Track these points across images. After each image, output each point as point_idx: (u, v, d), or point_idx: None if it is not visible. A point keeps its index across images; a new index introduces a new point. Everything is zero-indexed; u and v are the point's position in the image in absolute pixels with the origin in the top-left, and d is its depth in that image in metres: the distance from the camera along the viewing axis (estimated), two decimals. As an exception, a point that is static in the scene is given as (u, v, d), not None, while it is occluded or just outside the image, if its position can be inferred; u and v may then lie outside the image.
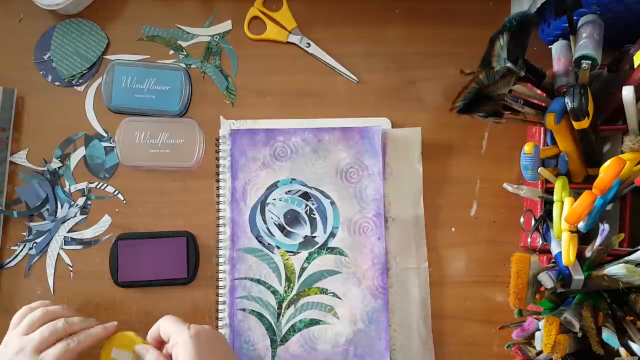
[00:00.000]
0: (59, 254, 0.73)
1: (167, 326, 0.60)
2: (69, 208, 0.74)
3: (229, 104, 0.75)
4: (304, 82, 0.75)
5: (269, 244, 0.72)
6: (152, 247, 0.71)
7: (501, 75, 0.55)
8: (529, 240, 0.64)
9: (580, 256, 0.56)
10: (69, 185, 0.74)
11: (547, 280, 0.54)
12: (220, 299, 0.71)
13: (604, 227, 0.52)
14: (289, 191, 0.72)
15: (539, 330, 0.57)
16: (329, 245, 0.71)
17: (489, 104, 0.58)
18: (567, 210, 0.55)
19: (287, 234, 0.72)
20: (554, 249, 0.59)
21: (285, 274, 0.71)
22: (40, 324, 0.61)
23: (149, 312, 0.72)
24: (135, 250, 0.71)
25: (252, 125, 0.74)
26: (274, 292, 0.71)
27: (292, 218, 0.72)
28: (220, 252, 0.72)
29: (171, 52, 0.76)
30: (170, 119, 0.73)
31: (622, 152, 0.57)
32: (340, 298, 0.70)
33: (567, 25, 0.60)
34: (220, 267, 0.72)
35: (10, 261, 0.73)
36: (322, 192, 0.72)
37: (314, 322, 0.70)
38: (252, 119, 0.74)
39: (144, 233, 0.73)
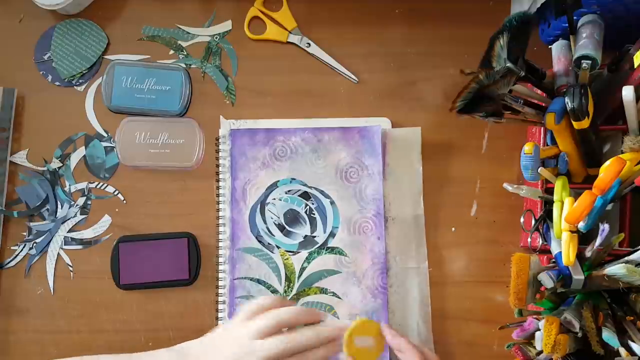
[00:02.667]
0: (59, 254, 0.73)
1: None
2: (69, 208, 0.74)
3: (229, 104, 0.75)
4: (304, 82, 0.75)
5: (268, 243, 0.72)
6: (153, 249, 0.71)
7: (501, 75, 0.55)
8: (529, 240, 0.64)
9: (580, 256, 0.56)
10: (69, 185, 0.74)
11: (547, 280, 0.54)
12: (220, 298, 0.71)
13: (604, 227, 0.52)
14: (288, 191, 0.72)
15: (539, 330, 0.57)
16: (328, 245, 0.71)
17: (489, 104, 0.58)
18: (567, 210, 0.55)
19: (287, 233, 0.72)
20: (554, 249, 0.59)
21: (285, 274, 0.71)
22: (268, 310, 0.57)
23: (149, 311, 0.72)
24: (137, 252, 0.71)
25: (252, 125, 0.74)
26: (274, 291, 0.71)
27: (292, 218, 0.72)
28: (220, 252, 0.72)
29: (171, 52, 0.76)
30: (170, 119, 0.73)
31: (622, 152, 0.57)
32: (340, 298, 0.70)
33: (567, 25, 0.60)
34: (220, 267, 0.72)
35: (10, 261, 0.73)
36: (322, 192, 0.72)
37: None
38: (252, 118, 0.74)
39: (144, 235, 0.73)
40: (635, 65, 0.55)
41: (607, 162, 0.53)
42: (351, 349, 0.56)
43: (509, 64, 0.55)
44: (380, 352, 0.58)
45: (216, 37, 0.76)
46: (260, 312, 0.57)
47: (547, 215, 0.62)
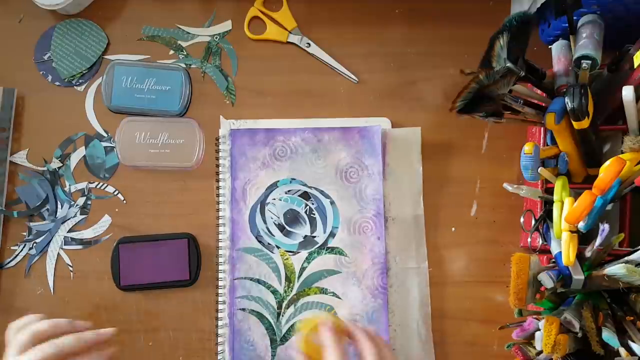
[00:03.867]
0: (59, 254, 0.73)
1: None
2: (69, 208, 0.74)
3: (229, 104, 0.75)
4: (304, 82, 0.75)
5: (268, 243, 0.72)
6: (153, 250, 0.71)
7: (501, 75, 0.55)
8: (529, 240, 0.64)
9: (580, 256, 0.56)
10: (69, 185, 0.74)
11: (547, 280, 0.54)
12: (220, 298, 0.71)
13: (604, 227, 0.52)
14: (288, 191, 0.72)
15: (539, 330, 0.57)
16: (328, 245, 0.71)
17: (489, 104, 0.58)
18: (567, 210, 0.55)
19: (287, 233, 0.72)
20: (554, 249, 0.59)
21: (285, 274, 0.71)
22: (34, 343, 0.57)
23: (149, 311, 0.72)
24: (137, 253, 0.71)
25: (252, 125, 0.74)
26: (274, 291, 0.71)
27: (292, 218, 0.72)
28: (220, 252, 0.72)
29: (171, 52, 0.76)
30: (170, 119, 0.73)
31: (622, 152, 0.57)
32: (340, 298, 0.70)
33: (567, 25, 0.60)
34: (220, 267, 0.72)
35: (10, 261, 0.73)
36: (321, 192, 0.72)
37: (314, 322, 0.70)
38: (252, 119, 0.74)
39: (145, 236, 0.73)
40: (635, 65, 0.55)
41: (607, 162, 0.53)
42: (309, 347, 0.55)
43: (509, 64, 0.55)
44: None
45: (216, 37, 0.76)
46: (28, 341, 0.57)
47: (547, 215, 0.62)
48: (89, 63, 0.76)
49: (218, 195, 0.73)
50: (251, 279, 0.71)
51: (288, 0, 0.76)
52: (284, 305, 0.71)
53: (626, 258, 0.54)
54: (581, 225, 0.54)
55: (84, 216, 0.74)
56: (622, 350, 0.51)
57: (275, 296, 0.71)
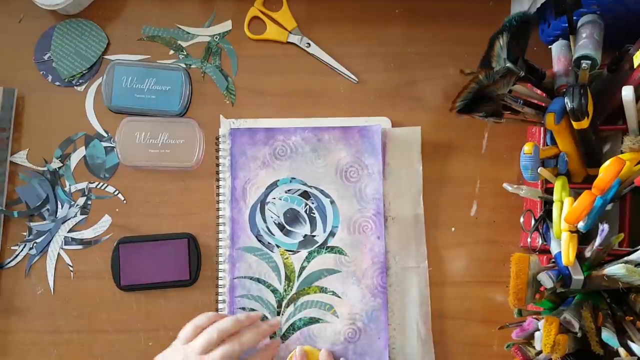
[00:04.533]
0: (59, 254, 0.73)
1: None
2: (69, 208, 0.74)
3: (229, 104, 0.75)
4: (304, 82, 0.75)
5: (268, 243, 0.72)
6: (153, 250, 0.71)
7: (501, 75, 0.55)
8: (529, 240, 0.64)
9: (580, 256, 0.56)
10: (69, 185, 0.74)
11: (546, 280, 0.55)
12: (220, 297, 0.71)
13: (604, 227, 0.52)
14: (288, 190, 0.72)
15: (538, 330, 0.57)
16: (328, 244, 0.71)
17: (489, 104, 0.58)
18: (567, 210, 0.55)
19: (287, 233, 0.72)
20: (554, 249, 0.59)
21: (285, 273, 0.71)
22: (203, 329, 0.61)
23: (149, 311, 0.72)
24: (137, 254, 0.71)
25: (252, 125, 0.74)
26: (274, 291, 0.71)
27: (292, 217, 0.72)
28: (220, 251, 0.72)
29: (171, 52, 0.76)
30: (170, 119, 0.73)
31: (622, 152, 0.57)
32: (339, 297, 0.70)
33: (567, 25, 0.60)
34: (220, 266, 0.72)
35: (10, 261, 0.73)
36: (321, 191, 0.72)
37: (313, 321, 0.70)
38: (252, 118, 0.74)
39: (145, 236, 0.73)
40: (635, 65, 0.55)
41: (607, 162, 0.53)
42: None
43: (508, 64, 0.55)
44: None
45: (216, 37, 0.76)
46: (197, 332, 0.61)
47: (547, 215, 0.62)
48: (89, 63, 0.76)
49: (218, 195, 0.73)
50: (251, 278, 0.71)
51: (288, 0, 0.76)
52: (283, 304, 0.71)
53: (626, 258, 0.54)
54: (581, 225, 0.54)
55: (84, 216, 0.74)
56: (622, 350, 0.51)
57: (275, 295, 0.71)
